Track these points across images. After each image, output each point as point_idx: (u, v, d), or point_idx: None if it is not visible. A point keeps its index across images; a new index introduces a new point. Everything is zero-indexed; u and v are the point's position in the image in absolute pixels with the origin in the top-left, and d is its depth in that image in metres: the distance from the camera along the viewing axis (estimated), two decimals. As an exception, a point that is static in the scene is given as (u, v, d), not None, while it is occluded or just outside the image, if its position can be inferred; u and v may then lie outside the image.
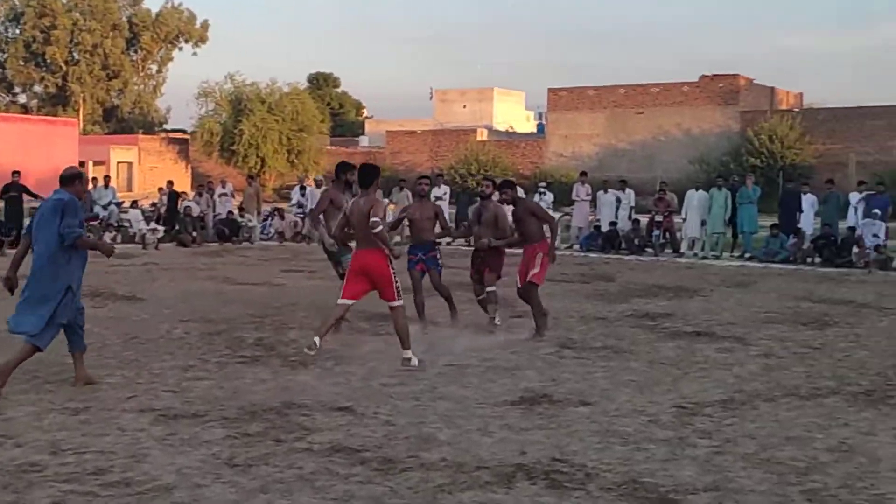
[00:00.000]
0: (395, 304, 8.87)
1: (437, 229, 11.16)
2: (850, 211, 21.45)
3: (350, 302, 9.07)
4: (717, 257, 21.39)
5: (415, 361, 8.77)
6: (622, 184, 24.82)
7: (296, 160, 54.85)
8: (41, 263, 7.48)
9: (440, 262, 11.11)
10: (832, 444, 6.41)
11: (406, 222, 11.48)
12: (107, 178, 27.02)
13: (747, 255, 21.16)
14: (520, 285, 10.76)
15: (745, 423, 6.95)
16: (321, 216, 10.87)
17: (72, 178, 7.75)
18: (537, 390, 7.89)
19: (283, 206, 29.84)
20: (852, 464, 5.98)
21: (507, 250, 11.21)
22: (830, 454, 6.20)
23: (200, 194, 25.63)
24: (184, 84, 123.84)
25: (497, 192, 11.32)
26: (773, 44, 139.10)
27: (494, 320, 11.02)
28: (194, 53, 78.90)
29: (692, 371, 8.81)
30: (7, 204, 21.50)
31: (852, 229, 20.37)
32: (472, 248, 11.38)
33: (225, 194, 26.31)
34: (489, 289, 11.05)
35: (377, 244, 8.79)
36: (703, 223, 22.25)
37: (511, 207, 11.16)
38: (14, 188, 21.61)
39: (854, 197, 21.75)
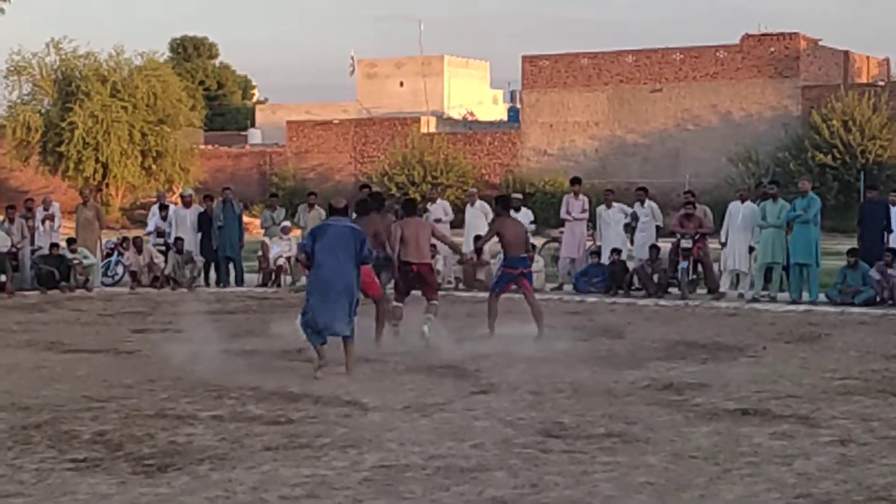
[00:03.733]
0: None
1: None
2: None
3: None
4: (772, 299, 21.53)
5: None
6: (641, 193, 24.71)
7: (154, 166, 54.73)
8: None
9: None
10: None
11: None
12: None
13: (806, 299, 21.16)
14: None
15: (812, 542, 7.01)
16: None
17: None
18: (510, 501, 7.88)
19: (137, 233, 29.71)
20: None
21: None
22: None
23: (12, 220, 25.38)
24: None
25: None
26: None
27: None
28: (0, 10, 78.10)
29: (735, 467, 8.86)
30: None
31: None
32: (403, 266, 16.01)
33: (50, 218, 26.09)
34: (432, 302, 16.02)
35: None
36: (750, 250, 22.40)
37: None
38: None
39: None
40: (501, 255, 17.28)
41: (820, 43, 51.98)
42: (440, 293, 21.48)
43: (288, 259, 24.32)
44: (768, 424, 10.44)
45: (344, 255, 13.49)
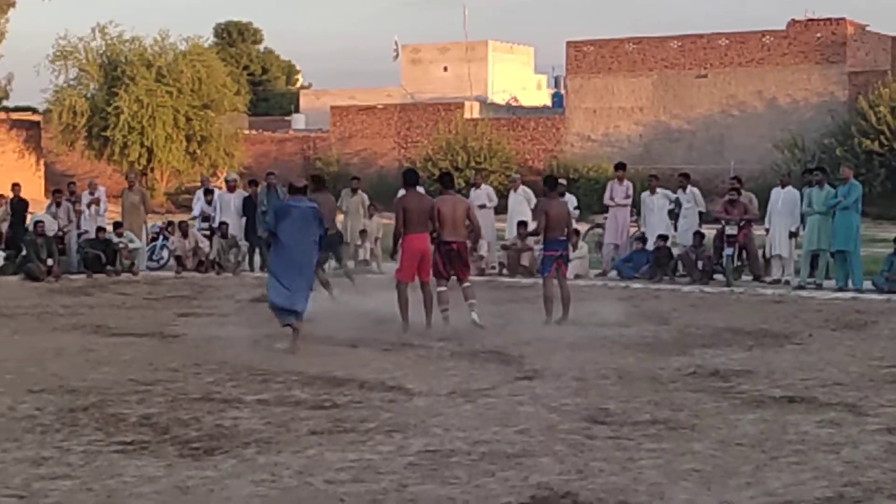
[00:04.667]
0: None
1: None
2: None
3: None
4: (818, 286, 21.42)
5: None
6: (683, 179, 24.71)
7: (199, 151, 54.92)
8: None
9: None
10: None
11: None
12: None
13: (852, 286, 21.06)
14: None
15: (860, 531, 6.98)
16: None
17: None
18: (556, 487, 7.89)
19: (182, 217, 29.84)
20: None
21: None
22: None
23: (59, 203, 25.55)
24: (32, 41, 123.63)
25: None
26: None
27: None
28: (46, -4, 78.50)
29: (782, 455, 8.83)
30: None
31: None
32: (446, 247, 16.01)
33: (95, 202, 26.25)
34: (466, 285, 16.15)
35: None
36: (791, 235, 22.34)
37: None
38: None
39: None
40: (542, 239, 17.25)
41: (867, 28, 51.64)
42: (485, 279, 21.62)
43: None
44: (815, 412, 10.40)
45: (305, 235, 14.32)
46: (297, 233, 14.27)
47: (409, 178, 16.61)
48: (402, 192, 16.54)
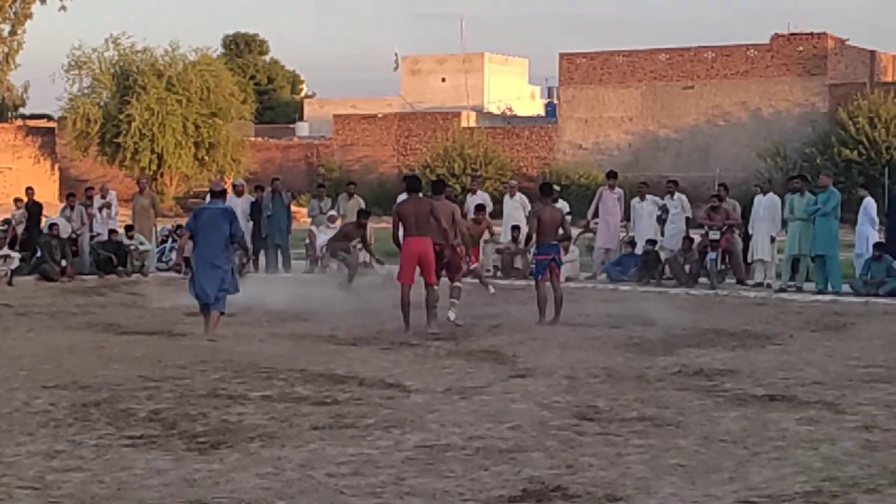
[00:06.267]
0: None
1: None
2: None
3: None
4: (798, 289, 21.45)
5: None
6: (672, 185, 24.74)
7: (207, 157, 54.93)
8: None
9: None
10: (959, 553, 6.45)
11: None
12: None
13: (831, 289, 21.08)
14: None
15: (837, 524, 6.99)
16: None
17: None
18: (546, 481, 7.89)
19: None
20: None
21: None
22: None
23: (72, 207, 25.53)
24: (48, 51, 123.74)
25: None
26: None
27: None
28: (62, 8, 78.27)
29: (763, 451, 8.84)
30: None
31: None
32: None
33: (107, 206, 26.25)
34: (454, 285, 16.37)
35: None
36: (772, 240, 22.42)
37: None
38: None
39: None
40: (535, 243, 17.30)
41: (847, 42, 51.70)
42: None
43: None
44: (795, 410, 10.41)
45: (216, 234, 15.14)
46: (208, 233, 15.18)
47: (411, 183, 16.68)
48: (402, 196, 16.93)
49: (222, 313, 15.38)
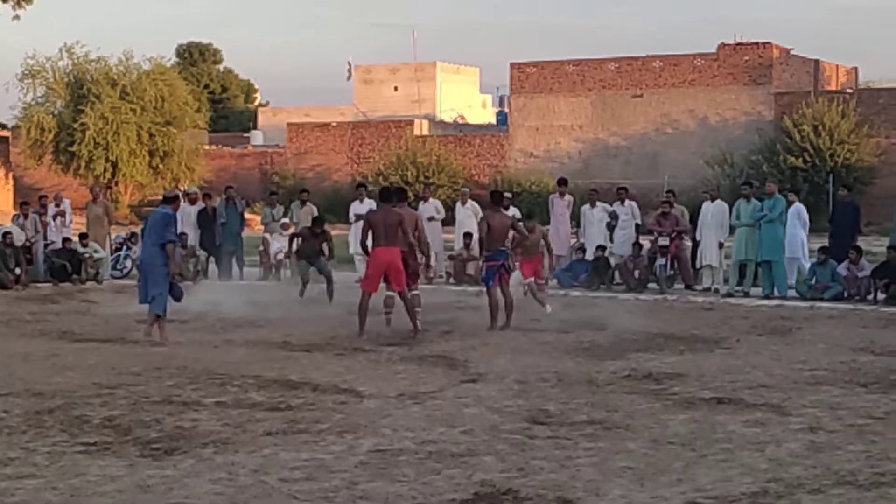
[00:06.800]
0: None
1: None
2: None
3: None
4: (745, 294, 21.60)
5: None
6: (622, 192, 24.77)
7: (161, 165, 54.62)
8: None
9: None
10: (901, 552, 6.51)
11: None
12: None
13: (777, 294, 21.24)
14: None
15: (782, 524, 7.03)
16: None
17: None
18: (498, 484, 7.91)
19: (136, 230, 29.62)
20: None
21: None
22: (899, 565, 6.29)
23: (26, 215, 25.34)
24: (1, 61, 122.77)
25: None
26: (816, 1, 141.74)
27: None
28: (16, 17, 77.60)
29: (711, 453, 8.90)
30: None
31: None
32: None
33: (61, 214, 26.08)
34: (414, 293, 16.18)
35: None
36: (720, 246, 22.58)
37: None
38: None
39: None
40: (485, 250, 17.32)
41: (792, 52, 52.09)
42: (433, 287, 21.58)
43: (286, 254, 24.25)
44: (742, 413, 10.49)
45: (151, 238, 15.47)
46: (148, 236, 15.64)
47: (383, 194, 16.85)
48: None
49: (158, 316, 15.26)
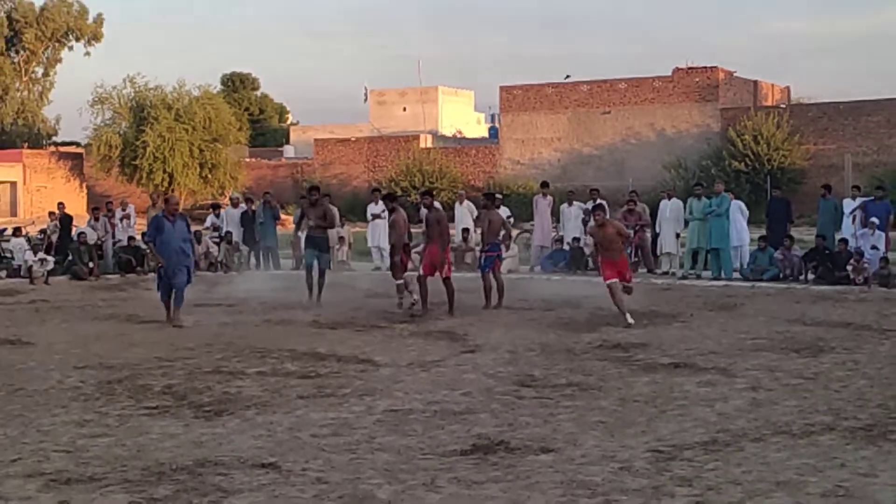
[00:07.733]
0: None
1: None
2: (846, 220, 21.76)
3: None
4: (697, 277, 21.59)
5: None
6: (594, 193, 24.74)
7: (210, 175, 54.59)
8: None
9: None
10: (827, 489, 6.52)
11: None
12: (-15, 201, 26.75)
13: (724, 277, 21.24)
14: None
15: (729, 467, 7.04)
16: None
17: None
18: (492, 437, 7.93)
19: (197, 228, 29.65)
20: (851, 510, 6.08)
21: None
22: (825, 500, 6.30)
23: (97, 218, 25.40)
24: (76, 89, 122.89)
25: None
26: (755, 31, 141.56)
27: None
28: (87, 53, 77.82)
29: (669, 409, 8.91)
30: None
31: (845, 241, 20.65)
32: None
33: (127, 217, 26.10)
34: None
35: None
36: (676, 236, 22.61)
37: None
38: None
39: (848, 204, 22.07)
40: (482, 242, 17.43)
41: (735, 74, 52.03)
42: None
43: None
44: (695, 375, 10.49)
45: (179, 236, 15.27)
46: (171, 240, 15.22)
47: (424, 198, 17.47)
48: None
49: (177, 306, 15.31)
